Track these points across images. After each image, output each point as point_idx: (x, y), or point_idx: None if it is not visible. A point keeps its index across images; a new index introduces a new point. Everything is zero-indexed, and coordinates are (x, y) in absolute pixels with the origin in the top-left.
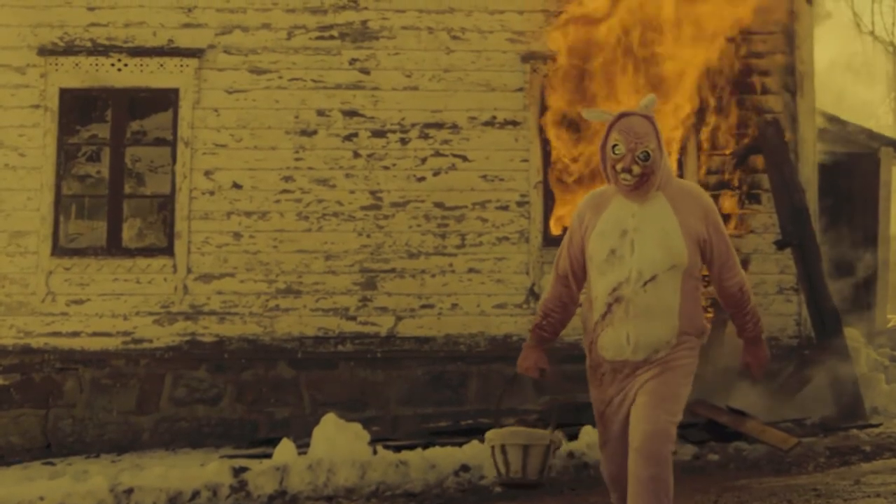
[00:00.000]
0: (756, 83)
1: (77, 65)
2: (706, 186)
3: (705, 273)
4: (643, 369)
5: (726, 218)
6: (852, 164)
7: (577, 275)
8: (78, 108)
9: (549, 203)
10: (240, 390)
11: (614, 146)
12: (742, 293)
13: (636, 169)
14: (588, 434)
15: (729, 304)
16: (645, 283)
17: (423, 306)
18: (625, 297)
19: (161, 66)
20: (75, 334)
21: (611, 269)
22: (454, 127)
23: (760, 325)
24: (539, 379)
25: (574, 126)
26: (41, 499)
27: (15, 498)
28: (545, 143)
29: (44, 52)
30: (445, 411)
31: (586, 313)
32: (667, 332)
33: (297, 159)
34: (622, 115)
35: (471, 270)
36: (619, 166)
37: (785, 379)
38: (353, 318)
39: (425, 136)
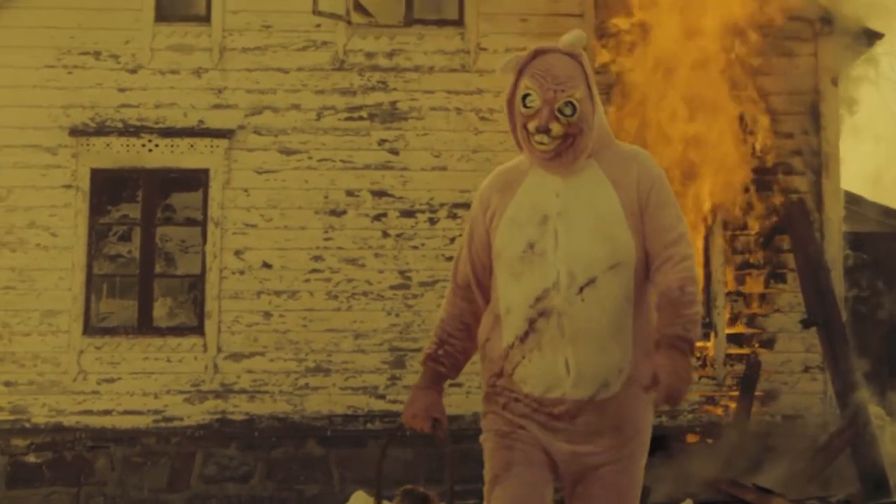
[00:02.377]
0: (782, 163)
1: (108, 145)
2: (733, 266)
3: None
4: (584, 420)
5: (750, 298)
6: (878, 244)
7: (484, 283)
8: (109, 188)
9: None
10: (270, 468)
11: (525, 96)
12: (683, 293)
13: (556, 128)
14: None
15: (662, 305)
16: (581, 289)
17: (452, 385)
18: (555, 310)
19: (191, 146)
20: (107, 412)
21: (529, 271)
22: None
23: (692, 334)
24: (432, 433)
25: None
26: None
27: None
28: None
29: (75, 132)
30: (472, 489)
31: (488, 332)
32: (619, 358)
33: (326, 239)
34: (536, 53)
35: None
36: (531, 125)
37: (810, 456)
38: (383, 397)
39: (454, 216)
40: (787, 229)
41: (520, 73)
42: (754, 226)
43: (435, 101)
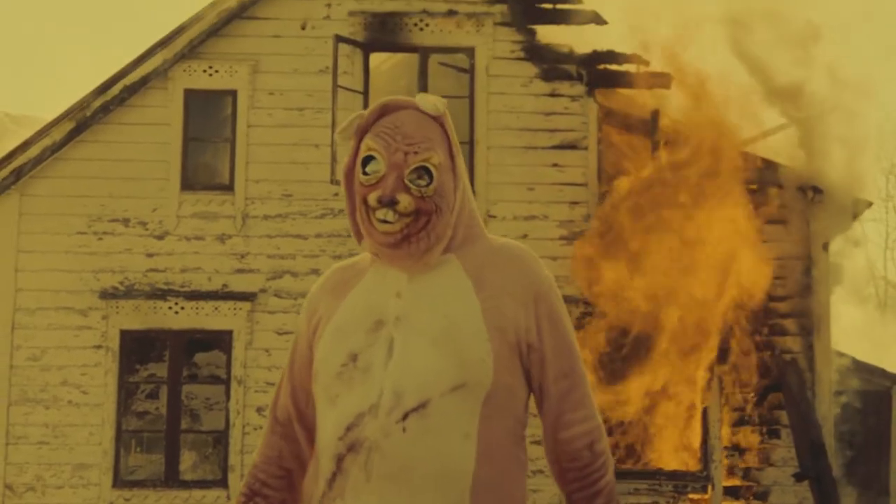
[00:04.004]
0: (776, 325)
1: (136, 308)
2: (730, 422)
3: None
4: None
5: (746, 452)
6: (867, 402)
7: (308, 418)
8: (137, 348)
9: None
10: None
11: (367, 160)
12: (593, 454)
13: (406, 200)
14: None
15: (567, 474)
16: (406, 416)
17: None
18: (366, 443)
19: (216, 309)
20: None
21: (347, 391)
22: None
23: None
24: None
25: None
26: None
27: None
28: None
29: (105, 295)
30: None
31: (310, 486)
32: None
33: None
34: (384, 109)
35: None
36: (373, 197)
37: None
38: None
39: None
40: (781, 387)
41: (362, 133)
42: (750, 384)
43: None
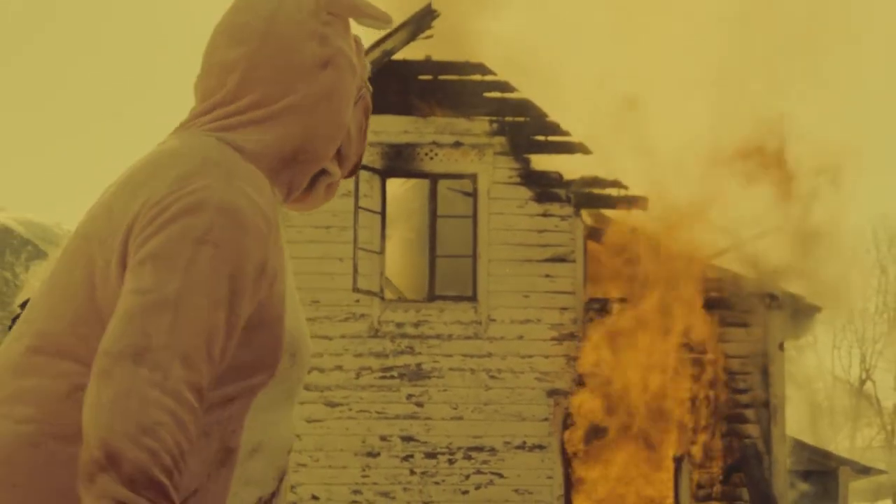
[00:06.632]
0: (738, 414)
1: None
2: (696, 499)
3: None
4: None
5: None
6: (817, 480)
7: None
8: None
9: None
10: None
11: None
12: None
13: None
14: None
15: None
16: None
17: None
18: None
19: None
20: None
21: (297, 392)
22: (492, 450)
23: None
24: None
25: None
26: None
27: None
28: (566, 463)
29: None
30: None
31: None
32: None
33: (363, 476)
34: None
35: None
36: (360, 149)
37: None
38: None
39: (468, 458)
40: (742, 468)
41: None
42: (715, 465)
43: (453, 363)
